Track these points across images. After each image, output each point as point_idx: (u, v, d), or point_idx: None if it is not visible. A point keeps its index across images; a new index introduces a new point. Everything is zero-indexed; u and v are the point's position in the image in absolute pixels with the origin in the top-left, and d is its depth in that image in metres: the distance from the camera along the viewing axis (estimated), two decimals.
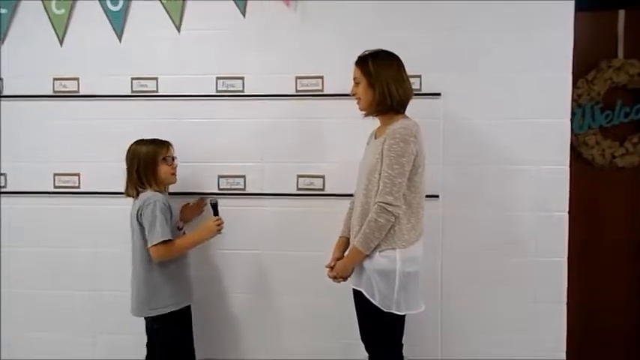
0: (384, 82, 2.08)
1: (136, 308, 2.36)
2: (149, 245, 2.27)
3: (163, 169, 2.38)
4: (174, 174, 2.43)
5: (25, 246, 2.80)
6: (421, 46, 2.50)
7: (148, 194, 2.33)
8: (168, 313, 2.34)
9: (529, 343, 2.59)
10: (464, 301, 2.61)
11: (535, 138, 2.54)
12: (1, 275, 2.82)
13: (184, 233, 2.51)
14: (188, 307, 2.47)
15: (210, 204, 2.46)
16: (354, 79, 2.18)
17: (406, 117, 2.14)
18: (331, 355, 2.68)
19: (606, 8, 2.97)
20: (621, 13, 2.97)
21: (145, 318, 2.38)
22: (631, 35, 2.97)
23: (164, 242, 2.26)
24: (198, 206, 2.66)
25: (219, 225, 2.40)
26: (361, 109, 2.19)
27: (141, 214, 2.30)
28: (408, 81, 2.15)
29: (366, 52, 2.16)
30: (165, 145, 2.41)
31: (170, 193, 2.52)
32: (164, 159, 2.39)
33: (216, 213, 2.44)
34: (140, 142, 2.39)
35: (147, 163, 2.36)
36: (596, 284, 3.05)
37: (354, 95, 2.19)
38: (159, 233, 2.25)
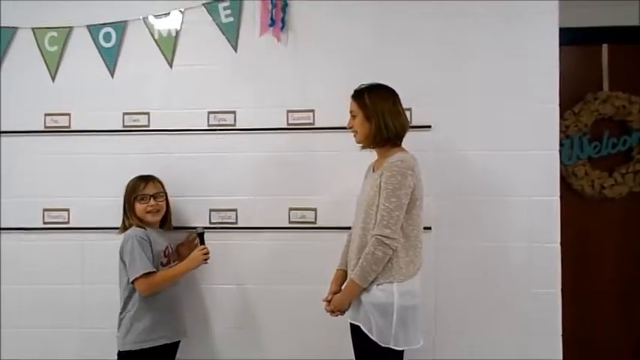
0: (380, 115, 2.10)
1: (120, 342, 2.34)
2: (131, 279, 2.27)
3: (138, 207, 2.38)
4: (150, 212, 2.39)
5: (14, 283, 2.75)
6: (411, 79, 2.54)
7: (128, 231, 2.36)
8: (136, 350, 2.29)
9: None
10: (458, 332, 2.58)
11: (525, 169, 2.56)
12: None
13: None
14: (171, 345, 2.41)
15: (197, 233, 2.45)
16: (351, 112, 2.19)
17: (403, 150, 2.15)
18: None
19: (590, 43, 3.05)
20: (604, 47, 3.05)
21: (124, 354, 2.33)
22: (615, 69, 3.05)
23: (146, 275, 2.25)
24: (191, 241, 2.64)
25: (205, 254, 2.38)
26: (358, 142, 2.21)
27: (122, 252, 2.31)
28: (404, 114, 2.18)
29: (362, 86, 2.19)
30: (142, 182, 2.40)
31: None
32: (137, 197, 2.38)
33: (202, 242, 2.43)
34: (134, 178, 2.42)
35: (126, 199, 2.41)
36: (587, 314, 3.04)
37: (350, 128, 2.21)
38: (139, 267, 2.25)
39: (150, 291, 2.28)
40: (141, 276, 2.25)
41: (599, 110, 3.02)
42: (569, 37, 2.72)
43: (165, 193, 2.50)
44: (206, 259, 2.39)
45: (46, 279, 2.73)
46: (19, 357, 2.74)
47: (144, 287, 2.27)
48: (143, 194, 2.39)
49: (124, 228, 2.39)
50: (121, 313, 2.35)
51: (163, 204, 2.46)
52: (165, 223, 2.53)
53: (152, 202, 2.40)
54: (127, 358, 2.32)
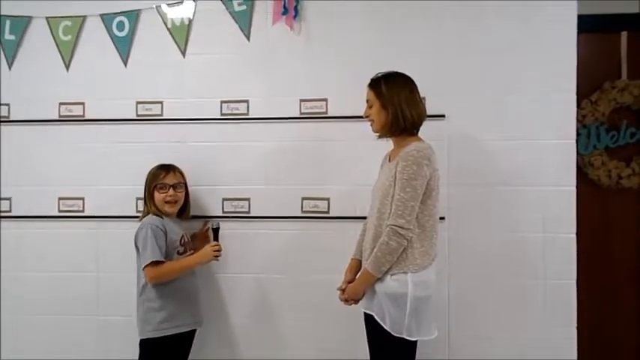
0: (397, 104, 2.08)
1: (139, 329, 2.37)
2: (142, 267, 2.30)
3: (157, 196, 2.40)
4: (168, 202, 2.40)
5: (30, 270, 2.78)
6: (425, 67, 2.51)
7: (145, 218, 2.39)
8: (156, 338, 2.32)
9: None
10: (472, 323, 2.57)
11: (541, 159, 2.52)
12: (1, 300, 2.80)
13: None
14: (187, 334, 2.43)
15: (212, 228, 2.46)
16: (367, 101, 2.18)
17: (420, 139, 2.13)
18: None
19: (609, 30, 2.99)
20: (624, 35, 2.99)
21: (143, 341, 2.37)
22: (634, 57, 2.99)
23: (154, 264, 2.27)
24: (204, 233, 2.65)
25: (216, 251, 2.38)
26: (374, 131, 2.19)
27: (136, 238, 2.34)
28: (422, 102, 2.16)
29: (379, 74, 2.17)
30: (163, 171, 2.42)
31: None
32: (157, 186, 2.39)
33: (216, 238, 2.43)
34: (156, 166, 2.45)
35: (146, 187, 2.43)
36: (605, 305, 3.01)
37: (367, 117, 2.19)
38: (149, 255, 2.27)
39: (156, 280, 2.30)
40: (149, 264, 2.27)
41: (617, 99, 2.96)
42: (588, 25, 2.66)
43: (185, 184, 2.51)
44: (217, 256, 2.39)
45: (61, 267, 2.76)
46: (35, 344, 2.78)
47: (150, 275, 2.29)
48: (163, 183, 2.40)
49: (144, 215, 2.42)
50: (138, 298, 2.37)
51: (182, 195, 2.47)
52: (184, 213, 2.53)
53: (171, 192, 2.41)
54: (147, 345, 2.35)
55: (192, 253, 2.45)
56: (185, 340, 2.43)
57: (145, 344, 2.36)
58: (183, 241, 2.43)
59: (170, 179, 2.42)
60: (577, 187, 2.52)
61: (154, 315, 2.32)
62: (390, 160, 2.17)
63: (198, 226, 2.66)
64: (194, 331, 2.48)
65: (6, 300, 2.80)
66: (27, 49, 2.78)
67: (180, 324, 2.37)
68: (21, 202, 2.78)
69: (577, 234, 2.52)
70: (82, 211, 2.76)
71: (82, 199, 2.76)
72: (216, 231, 2.44)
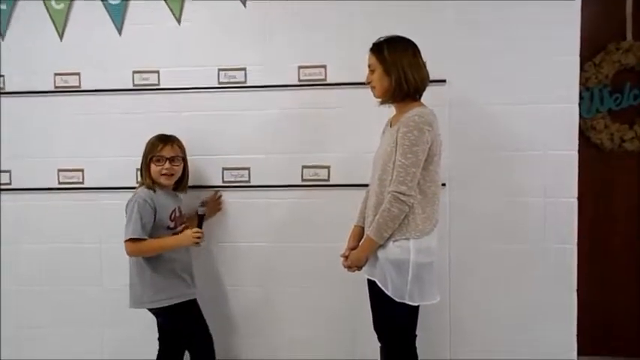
0: (400, 68, 2.04)
1: (129, 300, 2.39)
2: (123, 240, 2.30)
3: (153, 168, 2.38)
4: (165, 175, 2.37)
5: (30, 242, 2.79)
6: (425, 32, 2.44)
7: (138, 190, 2.37)
8: (168, 306, 2.33)
9: (539, 331, 2.56)
10: (472, 288, 2.59)
11: (542, 123, 2.50)
12: (2, 272, 2.82)
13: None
14: (187, 303, 2.43)
15: (198, 214, 2.44)
16: (369, 66, 2.13)
17: (422, 104, 2.11)
18: (342, 345, 2.67)
19: None
20: None
21: (150, 310, 2.38)
22: (639, 17, 2.92)
23: (133, 240, 2.27)
24: (216, 202, 2.64)
25: (197, 237, 2.35)
26: (376, 97, 2.16)
27: (125, 208, 2.34)
28: (425, 67, 2.11)
29: (381, 39, 2.12)
30: (161, 143, 2.38)
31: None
32: (153, 158, 2.37)
33: (200, 224, 2.41)
34: (154, 136, 2.41)
35: (143, 157, 2.40)
36: (606, 269, 3.03)
37: (368, 83, 2.16)
38: (130, 230, 2.27)
39: (134, 255, 2.31)
40: (129, 239, 2.27)
41: (621, 61, 2.92)
42: None
43: (184, 157, 2.48)
44: (197, 242, 2.36)
45: (62, 239, 2.77)
46: (36, 315, 2.82)
47: (130, 250, 2.29)
48: (160, 155, 2.37)
49: (140, 185, 2.41)
50: (131, 268, 2.38)
51: (179, 168, 2.44)
52: (180, 185, 2.51)
53: (167, 165, 2.37)
54: (160, 315, 2.39)
55: (184, 228, 2.43)
56: (187, 307, 2.42)
57: (159, 314, 2.39)
58: (173, 216, 2.40)
59: (167, 152, 2.38)
60: (579, 150, 2.50)
61: (149, 285, 2.32)
62: (391, 126, 2.15)
63: (195, 199, 2.62)
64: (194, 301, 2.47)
65: (7, 272, 2.82)
66: (20, 19, 2.72)
67: (170, 297, 2.34)
68: (20, 174, 2.78)
69: (579, 198, 2.51)
70: (82, 182, 2.75)
71: (82, 170, 2.75)
72: (201, 217, 2.43)
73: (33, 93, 2.73)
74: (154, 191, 2.37)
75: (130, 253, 2.31)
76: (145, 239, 2.29)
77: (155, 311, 2.38)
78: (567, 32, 2.46)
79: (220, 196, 2.67)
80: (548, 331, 2.55)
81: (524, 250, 2.55)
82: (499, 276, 2.57)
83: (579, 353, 2.55)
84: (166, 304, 2.33)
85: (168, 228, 2.38)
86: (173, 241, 2.37)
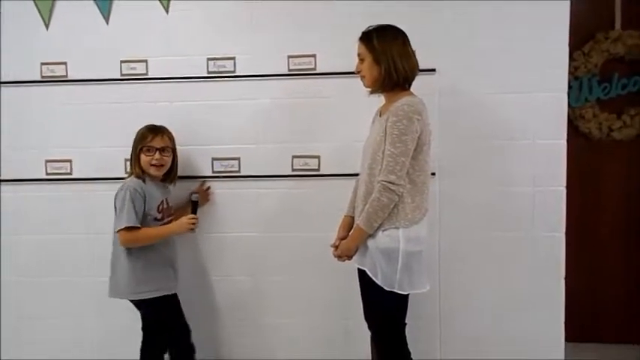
0: (389, 57, 2.04)
1: (109, 289, 2.39)
2: (115, 230, 2.29)
3: (143, 159, 2.37)
4: (154, 166, 2.37)
5: (19, 234, 2.77)
6: (415, 21, 2.43)
7: (127, 180, 2.37)
8: (149, 299, 2.33)
9: (528, 318, 2.58)
10: (462, 277, 2.61)
11: (531, 112, 2.50)
12: None
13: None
14: (172, 295, 2.44)
15: (191, 200, 2.44)
16: (359, 55, 2.12)
17: (411, 94, 2.10)
18: (332, 335, 2.69)
19: None
20: None
21: (131, 302, 2.39)
22: (628, 6, 2.94)
23: (128, 229, 2.26)
24: (205, 193, 2.64)
25: (192, 224, 2.36)
26: (366, 86, 2.15)
27: (115, 199, 2.33)
28: (414, 56, 2.11)
29: (370, 28, 2.11)
30: (151, 134, 2.37)
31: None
32: (143, 148, 2.36)
33: (194, 211, 2.41)
34: (144, 127, 2.40)
35: (132, 148, 2.39)
36: (594, 258, 3.05)
37: (358, 73, 2.15)
38: (124, 219, 2.26)
39: (128, 244, 2.29)
40: (124, 228, 2.26)
41: (609, 50, 2.93)
42: None
43: (174, 148, 2.47)
44: (192, 229, 2.37)
45: (51, 230, 2.76)
46: (29, 305, 2.81)
47: (124, 239, 2.28)
48: (149, 146, 2.36)
49: (129, 176, 2.40)
50: (113, 259, 2.37)
51: (169, 159, 2.43)
52: (169, 177, 2.50)
53: (157, 155, 2.37)
54: (142, 306, 2.39)
55: (171, 220, 2.43)
56: (168, 300, 2.42)
57: (140, 306, 2.39)
58: (161, 207, 2.40)
59: (157, 142, 2.37)
60: (567, 139, 2.51)
61: (132, 277, 2.32)
62: (380, 115, 2.15)
63: (184, 189, 2.61)
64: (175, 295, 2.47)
65: None
66: (5, 8, 2.68)
67: (153, 289, 2.34)
68: (8, 165, 2.75)
69: (567, 187, 2.53)
70: (70, 173, 2.73)
71: (70, 161, 2.72)
72: (194, 204, 2.43)
73: (19, 83, 2.70)
74: (144, 181, 2.36)
75: (123, 243, 2.29)
76: (139, 227, 2.28)
77: (136, 303, 2.38)
78: (557, 21, 2.46)
79: (209, 188, 2.66)
80: (537, 319, 2.58)
81: (513, 239, 2.57)
82: (488, 264, 2.59)
83: (567, 340, 2.58)
84: (147, 297, 2.33)
85: (155, 219, 2.37)
86: (168, 228, 2.38)
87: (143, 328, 2.47)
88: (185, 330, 2.47)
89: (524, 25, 2.48)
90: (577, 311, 2.79)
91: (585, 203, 3.01)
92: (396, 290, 2.03)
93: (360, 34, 2.12)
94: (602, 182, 3.05)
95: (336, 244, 2.22)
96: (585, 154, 2.99)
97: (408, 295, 2.09)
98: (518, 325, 2.59)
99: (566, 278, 2.56)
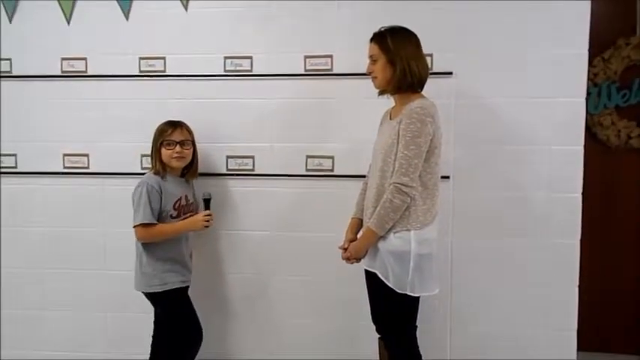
0: (404, 58, 2.03)
1: (135, 283, 2.44)
2: (132, 225, 2.33)
3: (164, 153, 2.39)
4: (176, 158, 2.39)
5: (35, 226, 2.81)
6: (432, 23, 2.45)
7: (144, 176, 2.40)
8: (161, 292, 2.37)
9: (540, 324, 2.56)
10: (474, 282, 2.59)
11: (549, 118, 2.48)
12: (7, 254, 2.84)
13: None
14: (184, 288, 2.46)
15: (203, 198, 2.46)
16: (371, 56, 2.12)
17: (423, 96, 2.10)
18: (341, 335, 2.68)
19: None
20: None
21: (145, 294, 2.42)
22: None
23: (144, 225, 2.29)
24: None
25: (207, 220, 2.40)
26: (377, 87, 2.15)
27: (133, 194, 2.36)
28: (425, 58, 2.11)
29: (382, 29, 2.11)
30: (170, 127, 2.40)
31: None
32: (164, 142, 2.38)
33: (207, 207, 2.44)
34: (163, 122, 2.43)
35: (153, 143, 2.42)
36: (608, 265, 3.02)
37: (370, 74, 2.14)
38: (140, 215, 2.30)
39: (145, 240, 2.34)
40: (140, 224, 2.30)
41: (630, 56, 2.89)
42: None
43: (193, 142, 2.49)
44: (207, 225, 2.41)
45: (67, 223, 2.79)
46: (41, 298, 2.85)
47: (140, 235, 2.33)
48: (170, 140, 2.39)
49: (150, 170, 2.44)
50: (135, 253, 2.42)
51: (189, 152, 2.45)
52: (189, 171, 2.52)
53: (178, 148, 2.39)
54: (153, 300, 2.42)
55: (189, 216, 2.45)
56: (179, 294, 2.44)
57: (152, 299, 2.42)
58: (178, 204, 2.42)
59: (177, 136, 2.40)
60: (585, 146, 2.49)
61: (148, 271, 2.36)
62: (391, 118, 2.14)
63: (198, 187, 2.62)
64: (186, 288, 2.49)
65: (13, 255, 2.84)
66: (27, 3, 2.72)
67: (168, 282, 2.38)
68: (26, 158, 2.79)
69: (583, 194, 2.50)
70: (87, 167, 2.76)
71: (87, 155, 2.76)
72: (207, 201, 2.45)
73: (40, 77, 2.74)
74: (163, 177, 2.39)
75: (140, 238, 2.34)
76: (155, 224, 2.32)
77: (148, 296, 2.42)
78: (577, 27, 2.44)
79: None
80: (549, 326, 2.55)
81: (528, 245, 2.55)
82: (502, 270, 2.57)
83: (579, 349, 2.55)
84: (159, 290, 2.36)
85: (171, 217, 2.40)
86: (183, 225, 2.41)
87: (155, 322, 2.49)
88: (197, 327, 2.47)
89: (544, 30, 2.46)
90: (590, 321, 2.75)
91: (601, 210, 2.97)
92: (407, 292, 2.02)
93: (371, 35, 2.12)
94: (619, 190, 3.01)
95: (345, 246, 2.21)
96: (603, 161, 2.95)
97: (418, 297, 2.08)
98: (531, 332, 2.57)
99: (579, 286, 2.53)
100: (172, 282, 2.39)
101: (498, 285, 2.58)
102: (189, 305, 2.48)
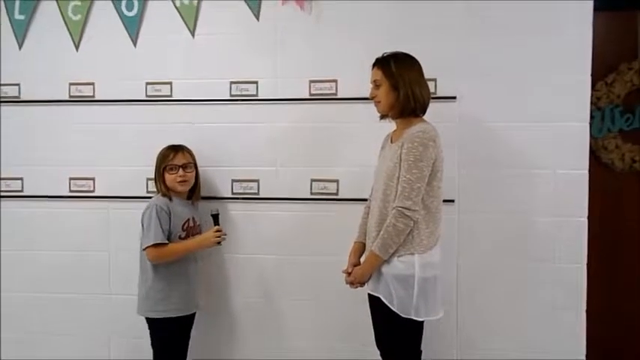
0: (407, 84, 2.06)
1: (138, 307, 2.43)
2: (143, 247, 2.34)
3: (168, 177, 2.41)
4: (180, 182, 2.42)
5: (41, 249, 2.82)
6: (436, 48, 2.48)
7: (152, 198, 2.42)
8: (162, 318, 2.36)
9: (547, 349, 2.53)
10: (480, 306, 2.57)
11: (553, 142, 2.49)
12: (12, 278, 2.84)
13: None
14: (188, 316, 2.46)
15: (211, 215, 2.46)
16: (375, 81, 2.14)
17: (424, 121, 2.11)
18: (348, 358, 2.65)
19: (626, 8, 2.92)
20: None
21: (147, 319, 2.41)
22: None
23: (156, 245, 2.30)
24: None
25: (218, 236, 2.39)
26: (380, 112, 2.17)
27: (142, 217, 2.38)
28: (427, 84, 2.13)
29: (386, 54, 2.14)
30: (172, 152, 2.43)
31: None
32: (167, 167, 2.41)
33: (216, 223, 2.44)
34: (165, 147, 2.46)
35: (156, 168, 2.45)
36: (615, 290, 2.99)
37: (373, 98, 2.16)
38: (152, 236, 2.31)
39: (157, 261, 2.34)
40: (151, 245, 2.30)
41: (632, 81, 2.91)
42: (603, 2, 2.58)
43: (195, 165, 2.51)
44: (219, 242, 2.41)
45: (73, 246, 2.79)
46: (45, 321, 2.83)
47: (152, 256, 2.33)
48: (172, 164, 2.41)
49: (157, 192, 2.46)
50: (140, 276, 2.42)
51: (192, 175, 2.48)
52: (194, 194, 2.54)
53: (181, 172, 2.42)
54: (151, 323, 2.41)
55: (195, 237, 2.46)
56: (184, 322, 2.44)
57: (149, 322, 2.41)
58: (186, 225, 2.43)
59: (179, 160, 2.42)
60: (590, 170, 2.49)
61: (152, 295, 2.36)
62: (392, 142, 2.16)
63: (203, 210, 2.62)
64: (194, 314, 2.50)
65: (18, 279, 2.84)
66: (37, 29, 2.77)
67: (174, 308, 2.38)
68: (32, 182, 2.81)
69: (589, 218, 2.49)
70: (93, 191, 2.78)
71: (93, 179, 2.77)
72: (215, 217, 2.45)
73: (48, 102, 2.77)
74: (170, 199, 2.41)
75: (152, 259, 2.34)
76: (166, 244, 2.33)
77: (149, 320, 2.41)
78: (579, 51, 2.46)
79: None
80: (558, 351, 2.52)
81: (534, 269, 2.53)
82: (507, 294, 2.55)
83: None
84: (161, 316, 2.37)
85: (180, 238, 2.41)
86: (195, 242, 2.42)
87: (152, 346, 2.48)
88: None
89: (547, 55, 2.48)
90: (597, 344, 2.72)
91: (607, 235, 2.95)
92: (412, 317, 2.01)
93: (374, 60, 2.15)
94: (625, 214, 3.00)
95: (349, 270, 2.21)
96: (607, 185, 2.94)
97: (423, 321, 2.07)
98: (538, 357, 2.54)
99: (587, 311, 2.50)
100: (176, 309, 2.38)
101: (504, 309, 2.56)
102: (184, 338, 2.47)
